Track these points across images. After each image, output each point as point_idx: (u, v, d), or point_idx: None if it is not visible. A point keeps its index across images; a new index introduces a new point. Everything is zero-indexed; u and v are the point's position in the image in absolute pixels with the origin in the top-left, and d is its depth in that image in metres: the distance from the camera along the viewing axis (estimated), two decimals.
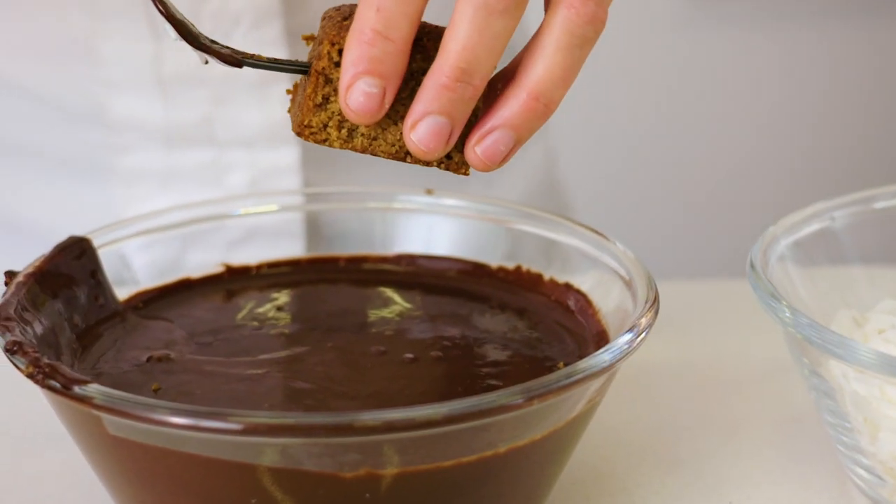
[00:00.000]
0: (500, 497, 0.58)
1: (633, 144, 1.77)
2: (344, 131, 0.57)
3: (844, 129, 1.76)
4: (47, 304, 0.62)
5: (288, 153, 0.79)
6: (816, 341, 0.59)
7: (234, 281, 0.69)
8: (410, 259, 0.70)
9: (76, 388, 0.54)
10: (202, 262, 0.70)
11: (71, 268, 0.64)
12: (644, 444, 0.67)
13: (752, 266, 0.63)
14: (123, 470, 0.56)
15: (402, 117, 0.56)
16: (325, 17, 0.57)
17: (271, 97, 0.79)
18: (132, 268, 0.68)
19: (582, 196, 1.12)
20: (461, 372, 0.62)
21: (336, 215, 0.73)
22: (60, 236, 0.65)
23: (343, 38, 0.55)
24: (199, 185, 0.79)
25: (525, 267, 0.68)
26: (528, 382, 0.55)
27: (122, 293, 0.66)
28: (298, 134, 0.57)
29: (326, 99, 0.56)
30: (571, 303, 0.66)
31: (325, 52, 0.56)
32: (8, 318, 0.58)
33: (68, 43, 0.77)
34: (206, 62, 0.58)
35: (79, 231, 0.66)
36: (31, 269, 0.62)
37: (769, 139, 1.77)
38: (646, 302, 0.60)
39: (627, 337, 0.58)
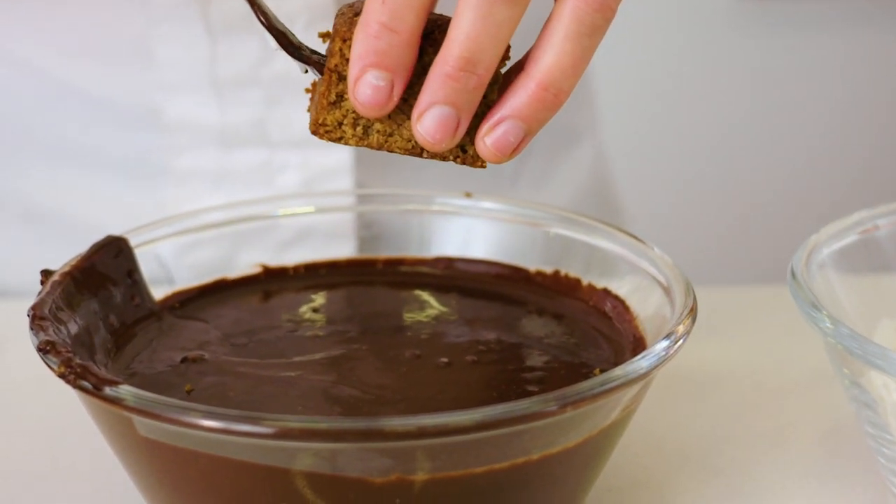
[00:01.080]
0: (535, 503, 0.57)
1: (682, 145, 1.76)
2: (359, 128, 0.56)
3: (893, 137, 1.75)
4: (83, 304, 0.62)
5: (340, 154, 0.80)
6: (857, 352, 0.59)
7: (271, 282, 0.69)
8: (448, 262, 0.70)
9: (107, 390, 0.53)
10: (251, 263, 0.70)
11: (107, 267, 0.64)
12: (682, 453, 0.66)
13: (794, 274, 0.62)
14: (154, 471, 0.55)
15: None
16: (340, 14, 0.57)
17: None
18: (179, 267, 0.67)
19: (631, 197, 1.12)
20: (496, 377, 0.61)
21: (373, 217, 0.72)
22: None
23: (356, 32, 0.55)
24: (251, 186, 0.79)
25: (563, 272, 0.68)
26: (563, 389, 0.54)
27: (164, 293, 0.66)
28: (314, 132, 0.56)
29: (340, 97, 0.56)
30: (609, 308, 0.65)
31: (337, 48, 0.55)
32: (42, 318, 0.58)
33: (124, 45, 0.77)
34: (306, 71, 0.58)
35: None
36: (67, 268, 0.62)
37: (816, 145, 1.76)
38: (684, 308, 0.60)
39: (664, 344, 0.57)
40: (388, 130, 0.56)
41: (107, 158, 0.81)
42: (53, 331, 0.57)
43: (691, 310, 0.59)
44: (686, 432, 0.68)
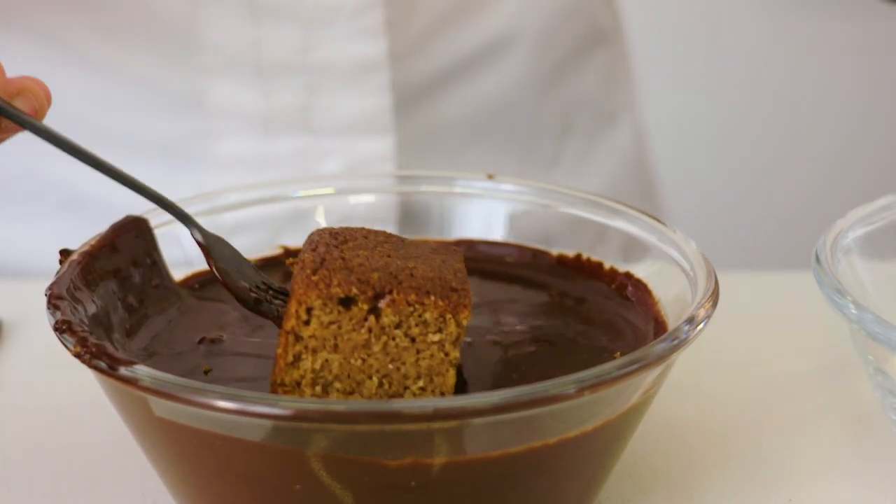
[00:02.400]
0: (552, 488, 0.57)
1: (719, 126, 1.75)
2: (318, 388, 0.55)
3: None
4: (101, 284, 0.62)
5: (382, 141, 0.80)
6: (882, 338, 0.58)
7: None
8: (470, 244, 0.69)
9: (122, 370, 0.53)
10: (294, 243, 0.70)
11: (127, 247, 0.64)
12: (704, 439, 0.66)
13: (818, 260, 0.61)
14: (169, 451, 0.55)
15: (377, 371, 0.55)
16: (299, 268, 0.56)
17: (367, 85, 0.79)
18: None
19: (668, 177, 1.12)
20: (516, 358, 0.61)
21: (395, 199, 0.72)
22: None
23: (311, 296, 0.54)
24: (293, 171, 0.80)
25: (586, 255, 0.67)
26: (581, 373, 0.54)
27: (184, 274, 0.66)
28: (273, 391, 0.55)
29: (298, 357, 0.55)
30: (631, 292, 0.65)
31: (294, 311, 0.55)
32: (59, 297, 0.58)
33: (169, 29, 0.78)
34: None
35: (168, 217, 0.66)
36: (86, 248, 0.62)
37: (847, 130, 1.74)
38: (705, 293, 0.59)
39: (684, 328, 0.57)
40: (347, 389, 0.56)
41: (149, 144, 0.81)
42: (70, 311, 0.57)
43: (712, 294, 0.59)
44: (710, 418, 0.67)
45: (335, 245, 0.57)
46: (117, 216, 0.65)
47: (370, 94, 0.79)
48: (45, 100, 0.55)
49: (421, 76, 0.83)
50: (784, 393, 0.69)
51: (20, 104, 0.55)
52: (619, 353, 0.61)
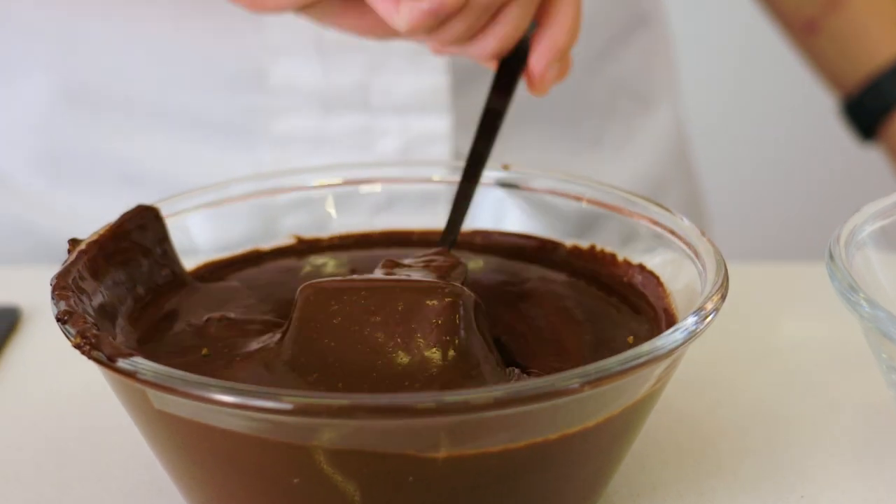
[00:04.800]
0: (559, 481, 0.56)
1: (759, 111, 1.74)
2: None
3: None
4: (110, 273, 0.61)
5: (439, 120, 0.80)
6: (894, 336, 0.57)
7: (305, 252, 0.68)
8: (485, 234, 0.69)
9: (121, 361, 0.53)
10: (345, 225, 0.70)
11: (137, 237, 0.63)
12: (717, 433, 0.65)
13: (831, 255, 0.60)
14: (169, 443, 0.55)
15: None
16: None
17: (426, 64, 0.80)
18: (209, 238, 0.67)
19: (706, 160, 1.11)
20: (525, 350, 0.60)
21: (411, 186, 0.71)
22: None
23: None
24: (349, 150, 0.80)
25: (599, 246, 0.66)
26: (584, 367, 0.53)
27: (195, 263, 0.66)
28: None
29: None
30: (644, 284, 0.64)
31: None
32: (64, 287, 0.58)
33: (233, 8, 0.78)
34: None
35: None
36: (95, 238, 0.62)
37: None
38: (713, 285, 0.58)
39: (691, 320, 0.56)
40: None
41: (208, 121, 0.82)
42: (74, 301, 0.57)
43: (721, 286, 0.58)
44: (725, 410, 0.67)
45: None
46: (174, 191, 0.66)
47: (429, 73, 0.80)
48: None
49: None
50: (801, 387, 0.68)
51: None
52: (631, 338, 0.60)
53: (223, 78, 0.81)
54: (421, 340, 0.56)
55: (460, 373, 0.55)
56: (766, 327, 0.73)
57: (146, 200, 0.65)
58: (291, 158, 0.81)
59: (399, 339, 0.56)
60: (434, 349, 0.56)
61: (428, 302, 0.56)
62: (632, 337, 0.61)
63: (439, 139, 0.81)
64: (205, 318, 0.61)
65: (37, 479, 0.63)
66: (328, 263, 0.68)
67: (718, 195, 1.29)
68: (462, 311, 0.56)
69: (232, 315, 0.61)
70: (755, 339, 0.72)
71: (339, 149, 0.80)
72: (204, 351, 0.58)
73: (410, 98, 0.80)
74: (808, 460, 0.63)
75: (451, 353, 0.56)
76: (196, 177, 0.81)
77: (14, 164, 0.85)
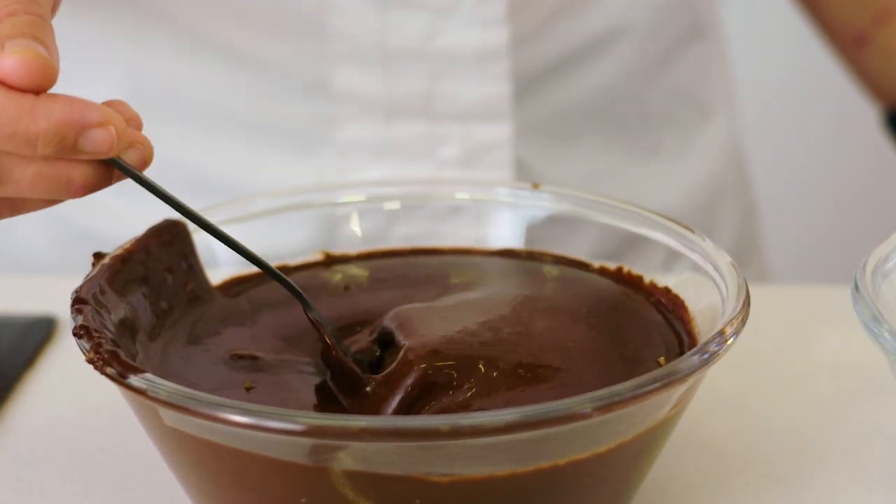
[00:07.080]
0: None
1: (817, 122, 1.72)
2: None
3: None
4: (132, 288, 0.61)
5: (501, 128, 0.81)
6: None
7: (332, 268, 0.68)
8: (514, 254, 0.68)
9: (132, 378, 0.53)
10: (408, 235, 0.70)
11: (162, 251, 0.64)
12: (742, 458, 0.64)
13: (856, 285, 0.59)
14: (181, 459, 0.55)
15: None
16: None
17: (487, 72, 0.80)
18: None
19: (762, 170, 1.10)
20: (549, 371, 0.60)
21: (439, 204, 0.71)
22: None
23: None
24: (411, 158, 0.81)
25: (626, 268, 0.66)
26: (598, 391, 0.52)
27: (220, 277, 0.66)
28: None
29: None
30: (670, 307, 0.63)
31: None
32: (82, 301, 0.58)
33: (298, 17, 0.79)
34: None
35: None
36: (119, 251, 0.62)
37: None
38: (734, 310, 0.57)
39: (710, 344, 0.55)
40: None
41: (271, 130, 0.83)
42: (92, 315, 0.57)
43: (741, 310, 0.57)
44: (752, 437, 0.66)
45: None
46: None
47: (490, 82, 0.80)
48: (151, 150, 0.56)
49: (537, 65, 0.84)
50: (831, 414, 0.67)
51: (130, 157, 0.55)
52: (663, 359, 0.59)
53: (287, 86, 0.81)
54: None
55: None
56: (797, 351, 0.72)
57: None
58: (354, 166, 0.81)
59: None
60: None
61: None
62: (663, 358, 0.60)
63: (500, 147, 0.81)
64: (231, 349, 0.61)
65: (62, 491, 0.63)
66: (355, 275, 0.68)
67: (774, 206, 1.28)
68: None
69: (259, 354, 0.61)
70: (785, 363, 0.71)
71: (401, 156, 0.81)
72: (247, 384, 0.59)
73: (472, 106, 0.81)
74: (836, 489, 0.62)
75: None
76: (260, 184, 0.82)
77: None
